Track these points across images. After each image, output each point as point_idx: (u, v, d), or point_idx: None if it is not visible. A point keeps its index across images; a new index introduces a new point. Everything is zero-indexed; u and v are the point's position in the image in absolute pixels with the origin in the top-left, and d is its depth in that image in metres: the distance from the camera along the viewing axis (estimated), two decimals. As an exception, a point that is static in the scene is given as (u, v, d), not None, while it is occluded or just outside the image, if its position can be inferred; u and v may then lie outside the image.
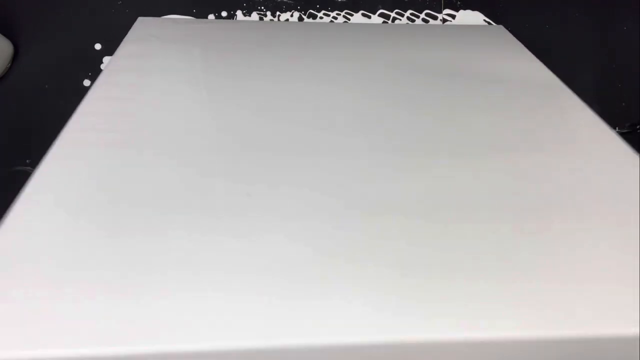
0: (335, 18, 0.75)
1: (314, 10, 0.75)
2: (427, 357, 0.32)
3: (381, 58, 0.65)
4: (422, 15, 0.76)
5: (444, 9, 0.77)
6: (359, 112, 0.54)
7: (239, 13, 0.75)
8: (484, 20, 0.76)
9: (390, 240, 0.37)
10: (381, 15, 0.76)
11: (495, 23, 0.76)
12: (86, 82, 0.69)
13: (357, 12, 0.76)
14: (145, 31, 0.67)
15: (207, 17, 0.74)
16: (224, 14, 0.74)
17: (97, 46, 0.71)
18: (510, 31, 0.76)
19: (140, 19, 0.70)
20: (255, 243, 0.36)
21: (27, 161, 0.65)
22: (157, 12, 0.73)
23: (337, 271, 0.34)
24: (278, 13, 0.75)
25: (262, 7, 0.75)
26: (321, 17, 0.75)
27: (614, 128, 0.71)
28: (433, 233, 0.39)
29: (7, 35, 0.70)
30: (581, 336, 0.32)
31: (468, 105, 0.57)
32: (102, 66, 0.70)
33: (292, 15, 0.75)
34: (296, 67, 0.63)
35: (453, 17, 0.76)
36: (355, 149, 0.48)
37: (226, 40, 0.66)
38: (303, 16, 0.75)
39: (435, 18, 0.76)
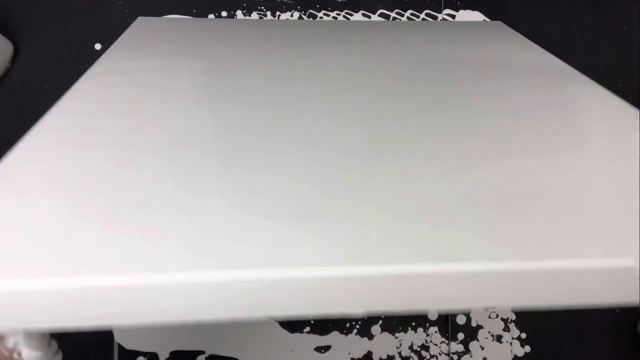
0: (335, 18, 0.75)
1: (314, 10, 0.76)
2: (399, 288, 0.30)
3: (382, 55, 0.64)
4: (422, 15, 0.76)
5: (444, 9, 0.77)
6: (359, 110, 0.54)
7: (239, 13, 0.75)
8: (484, 20, 0.76)
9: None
10: (381, 15, 0.76)
11: (495, 23, 0.77)
12: (86, 82, 0.69)
13: (357, 12, 0.76)
14: (141, 31, 0.66)
15: (207, 17, 0.74)
16: (224, 14, 0.74)
17: (97, 46, 0.71)
18: (510, 31, 0.76)
19: (140, 18, 0.70)
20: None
21: (27, 161, 0.65)
22: (157, 12, 0.73)
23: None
24: (278, 13, 0.75)
25: (262, 7, 0.75)
26: (321, 17, 0.75)
27: (615, 127, 0.71)
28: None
29: (7, 35, 0.70)
30: (574, 267, 0.30)
31: (475, 97, 0.57)
32: (102, 66, 0.70)
33: (292, 15, 0.75)
34: (297, 66, 0.62)
35: (453, 17, 0.76)
36: (355, 143, 0.48)
37: (225, 40, 0.66)
38: (303, 16, 0.75)
39: (435, 18, 0.76)
